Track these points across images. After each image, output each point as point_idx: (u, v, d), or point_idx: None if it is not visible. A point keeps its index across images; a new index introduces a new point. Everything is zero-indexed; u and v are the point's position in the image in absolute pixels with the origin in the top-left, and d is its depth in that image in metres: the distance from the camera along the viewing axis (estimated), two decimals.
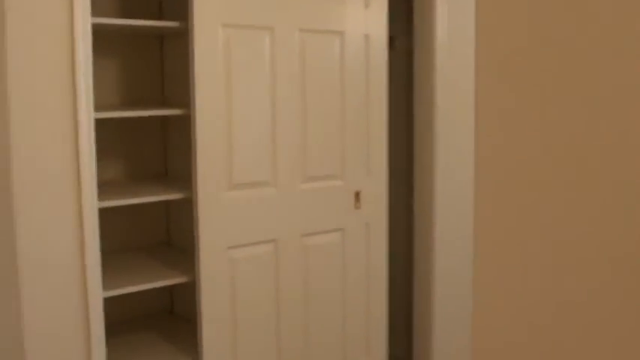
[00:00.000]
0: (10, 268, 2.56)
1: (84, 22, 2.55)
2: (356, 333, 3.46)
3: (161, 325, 3.50)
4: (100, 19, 2.74)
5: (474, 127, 3.62)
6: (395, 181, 4.04)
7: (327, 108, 3.21)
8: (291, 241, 3.17)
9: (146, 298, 3.64)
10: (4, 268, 2.61)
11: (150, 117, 3.57)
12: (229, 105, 2.94)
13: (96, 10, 3.31)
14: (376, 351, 3.54)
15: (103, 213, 3.45)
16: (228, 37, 2.90)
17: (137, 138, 3.55)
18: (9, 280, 2.58)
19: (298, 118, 3.13)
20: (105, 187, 3.20)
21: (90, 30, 2.57)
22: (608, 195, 3.15)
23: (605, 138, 3.13)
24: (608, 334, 3.22)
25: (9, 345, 2.62)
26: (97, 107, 3.09)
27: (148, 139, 3.59)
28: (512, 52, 3.44)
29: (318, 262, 3.27)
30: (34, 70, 2.49)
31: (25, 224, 2.51)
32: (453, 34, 3.50)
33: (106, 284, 2.89)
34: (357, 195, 3.35)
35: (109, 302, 3.51)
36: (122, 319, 3.56)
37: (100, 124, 3.41)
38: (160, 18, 3.54)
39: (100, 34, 3.37)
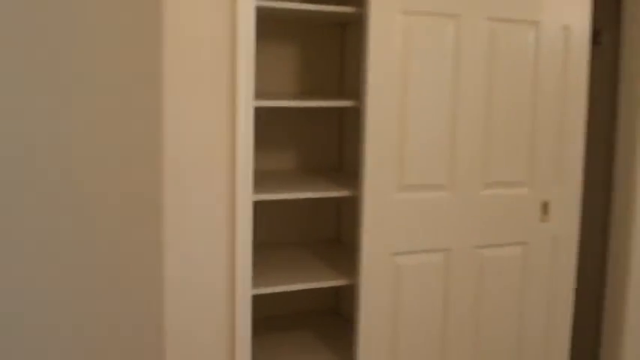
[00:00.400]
0: (155, 258, 2.50)
1: (246, 4, 2.42)
2: None
3: (322, 324, 3.35)
4: (265, 2, 2.60)
5: None
6: (588, 193, 3.58)
7: (516, 106, 2.86)
8: (465, 252, 2.87)
9: (310, 296, 3.50)
10: (148, 256, 2.55)
11: (327, 108, 3.41)
12: (404, 98, 2.69)
13: None
14: None
15: (274, 205, 3.35)
16: (408, 25, 2.65)
17: (313, 129, 3.41)
18: (152, 270, 2.52)
19: (482, 116, 2.81)
20: (275, 178, 3.08)
21: (253, 14, 2.43)
22: None
23: None
24: None
25: (150, 340, 2.57)
26: (274, 96, 2.97)
27: (324, 130, 3.43)
28: None
29: (493, 278, 2.94)
30: (191, 55, 2.39)
31: (173, 214, 2.44)
32: None
33: (266, 280, 2.77)
34: (545, 206, 2.97)
35: (269, 297, 3.41)
36: (283, 315, 3.45)
37: (274, 113, 3.30)
38: (343, 4, 3.36)
39: (280, 21, 3.26)
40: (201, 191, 2.48)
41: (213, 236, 2.51)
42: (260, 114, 3.27)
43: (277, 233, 3.39)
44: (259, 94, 3.04)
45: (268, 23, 3.25)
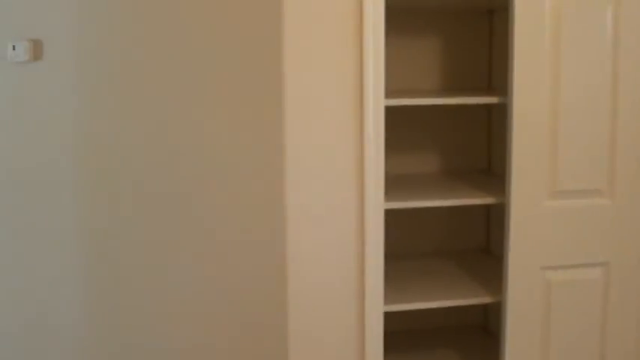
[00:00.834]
0: (279, 270, 2.34)
1: None
2: None
3: (468, 341, 3.07)
4: None
5: None
6: None
7: None
8: (629, 266, 2.50)
9: (454, 310, 3.23)
10: (271, 268, 2.40)
11: (473, 105, 3.13)
12: (556, 93, 2.37)
13: None
14: None
15: (410, 210, 3.11)
16: (559, 9, 2.33)
17: (458, 128, 3.14)
18: (275, 284, 2.37)
19: None
20: (413, 182, 2.85)
21: (383, 2, 2.22)
22: None
23: None
24: None
25: (273, 356, 2.42)
26: (412, 93, 2.75)
27: (470, 129, 3.15)
28: None
29: None
30: (314, 51, 2.22)
31: (296, 223, 2.27)
32: None
33: (400, 295, 2.55)
34: None
35: (406, 311, 3.17)
36: (422, 330, 3.20)
37: (415, 112, 3.06)
38: None
39: (415, 10, 3.01)
40: (326, 198, 2.30)
41: (340, 247, 2.32)
42: (399, 113, 3.04)
43: (413, 242, 3.14)
44: (395, 91, 2.81)
45: (403, 13, 3.01)
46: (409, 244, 3.14)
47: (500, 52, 3.01)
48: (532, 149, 2.38)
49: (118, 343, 2.61)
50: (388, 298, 2.50)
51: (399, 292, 2.58)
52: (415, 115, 3.07)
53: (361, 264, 2.34)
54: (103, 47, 2.52)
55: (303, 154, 2.27)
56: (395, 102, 2.41)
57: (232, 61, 2.43)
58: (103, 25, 2.51)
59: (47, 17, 2.53)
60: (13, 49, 2.52)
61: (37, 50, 2.54)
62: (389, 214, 2.95)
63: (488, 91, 3.00)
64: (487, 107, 3.15)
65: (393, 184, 2.79)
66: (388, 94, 2.53)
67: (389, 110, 2.92)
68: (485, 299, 2.56)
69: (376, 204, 2.30)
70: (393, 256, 3.08)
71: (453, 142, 3.14)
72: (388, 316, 2.92)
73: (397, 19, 2.99)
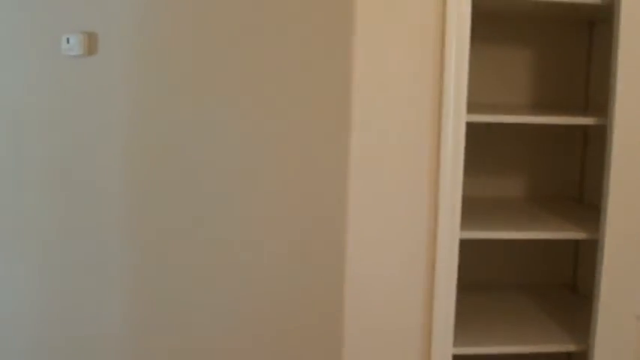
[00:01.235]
0: (336, 300, 2.10)
1: None
2: None
3: None
4: None
5: None
6: None
7: None
8: None
9: (533, 357, 2.91)
10: (328, 300, 2.16)
11: (566, 125, 2.81)
12: None
13: None
14: None
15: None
16: None
17: (548, 150, 2.83)
18: (331, 318, 2.13)
19: None
20: (491, 208, 2.56)
21: (469, 6, 1.96)
22: None
23: None
24: None
25: None
26: (498, 108, 2.46)
27: (562, 152, 2.84)
28: None
29: None
30: (386, 59, 1.97)
31: (358, 248, 2.03)
32: None
33: (473, 337, 2.27)
34: None
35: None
36: None
37: (498, 129, 2.77)
38: None
39: (507, 17, 2.73)
40: (394, 222, 2.05)
41: (406, 279, 2.07)
42: (479, 129, 2.75)
43: (488, 272, 2.84)
44: (476, 105, 2.53)
45: (489, 19, 2.72)
46: (483, 273, 2.84)
47: (601, 67, 2.69)
48: (633, 178, 2.08)
49: (166, 343, 2.43)
50: (458, 338, 2.21)
51: (471, 333, 2.30)
52: (499, 133, 2.78)
53: (429, 299, 2.08)
54: (161, 42, 2.34)
55: (371, 173, 2.03)
56: (478, 118, 2.13)
57: (297, 66, 2.21)
58: (161, 18, 2.33)
59: (103, 9, 2.36)
60: (68, 42, 2.37)
61: (92, 44, 2.37)
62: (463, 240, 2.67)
63: (585, 110, 2.69)
64: (582, 128, 2.83)
65: (470, 208, 2.50)
66: (469, 108, 2.25)
67: (468, 126, 2.64)
68: (570, 347, 2.25)
69: (451, 233, 2.04)
70: (465, 286, 2.78)
71: (541, 165, 2.83)
72: None
73: (482, 25, 2.69)
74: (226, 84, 2.29)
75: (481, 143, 2.76)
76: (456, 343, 2.16)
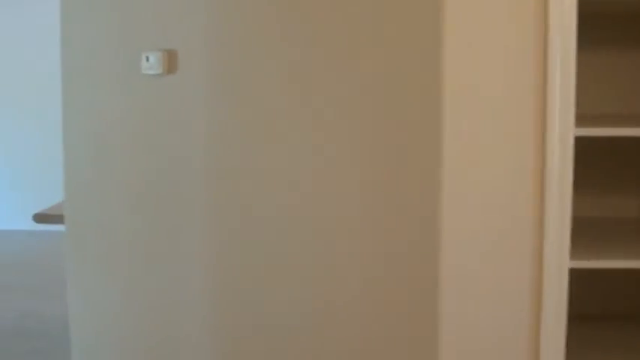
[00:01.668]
0: (430, 322, 1.92)
1: None
2: None
3: None
4: None
5: None
6: None
7: None
8: None
9: None
10: (421, 330, 1.98)
11: None
12: None
13: None
14: None
15: None
16: None
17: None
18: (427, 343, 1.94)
19: None
20: (608, 229, 2.31)
21: (574, 6, 1.75)
22: None
23: None
24: None
25: None
26: (609, 119, 2.23)
27: None
28: None
29: None
30: (480, 65, 1.79)
31: (453, 282, 1.84)
32: None
33: None
34: None
35: None
36: None
37: (609, 143, 2.52)
38: None
39: (618, 17, 2.48)
40: (492, 250, 1.86)
41: (509, 312, 1.87)
42: (587, 143, 2.51)
43: (599, 300, 2.58)
44: (583, 117, 2.29)
45: (596, 20, 2.48)
46: (594, 301, 2.59)
47: None
48: None
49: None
50: None
51: None
52: (610, 147, 2.53)
53: (535, 335, 1.86)
54: (240, 60, 2.23)
55: (466, 195, 1.85)
56: (589, 132, 1.90)
57: (382, 78, 2.05)
58: (241, 35, 2.22)
59: (182, 27, 2.27)
60: (147, 60, 2.28)
61: (171, 62, 2.28)
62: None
63: None
64: None
65: (579, 230, 2.26)
66: (577, 120, 2.03)
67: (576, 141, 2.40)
68: None
69: (559, 261, 1.82)
70: (574, 317, 2.53)
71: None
72: None
73: (588, 27, 2.45)
74: (311, 96, 2.16)
75: (587, 156, 2.52)
76: None
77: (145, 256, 2.44)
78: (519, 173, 1.87)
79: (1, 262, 5.35)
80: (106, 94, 2.39)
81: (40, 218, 2.87)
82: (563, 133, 1.80)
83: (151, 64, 2.27)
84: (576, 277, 2.35)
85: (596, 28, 2.46)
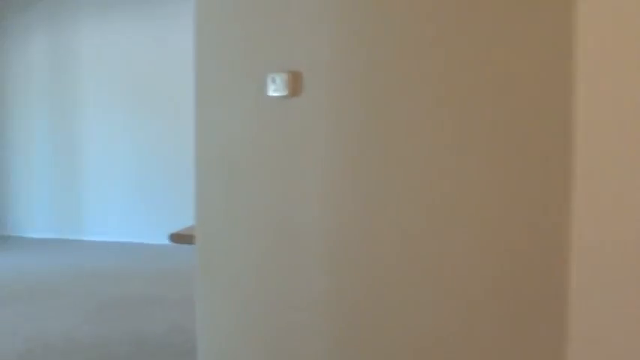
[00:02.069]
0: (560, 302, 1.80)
1: None
2: None
3: None
4: None
5: None
6: None
7: None
8: None
9: None
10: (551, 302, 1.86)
11: None
12: None
13: None
14: None
15: None
16: None
17: None
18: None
19: None
20: None
21: None
22: None
23: None
24: None
25: None
26: None
27: None
28: None
29: None
30: (609, 62, 1.70)
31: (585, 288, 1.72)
32: None
33: None
34: None
35: None
36: None
37: None
38: None
39: None
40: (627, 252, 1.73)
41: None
42: None
43: None
44: None
45: None
46: None
47: None
48: None
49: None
50: None
51: None
52: None
53: None
54: (367, 82, 2.23)
55: (599, 199, 1.74)
56: None
57: (510, 85, 1.99)
58: (367, 57, 2.22)
59: (308, 48, 2.31)
60: (273, 81, 2.34)
61: (296, 83, 2.32)
62: None
63: None
64: None
65: None
66: None
67: None
68: None
69: None
70: None
71: None
72: None
73: None
74: (438, 118, 2.12)
75: None
76: None
77: (268, 278, 2.46)
78: None
79: (149, 274, 5.59)
80: (235, 116, 2.46)
81: (175, 238, 2.98)
82: None
83: (277, 85, 2.33)
84: None
85: None
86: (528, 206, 1.97)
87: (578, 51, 1.83)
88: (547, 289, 1.93)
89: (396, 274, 2.22)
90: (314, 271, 2.37)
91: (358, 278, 2.29)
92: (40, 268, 6.11)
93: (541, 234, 1.94)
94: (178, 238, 2.96)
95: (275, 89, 2.34)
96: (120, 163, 7.34)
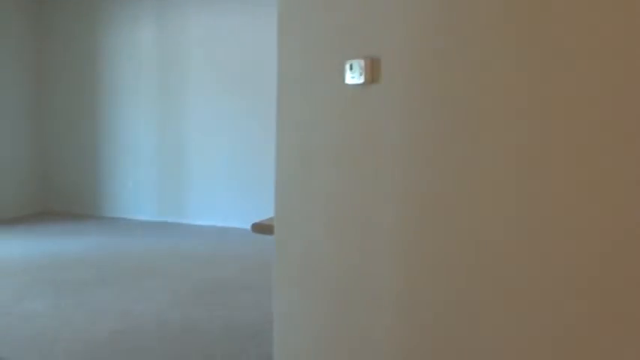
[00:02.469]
0: None
1: None
2: None
3: None
4: None
5: None
6: None
7: None
8: None
9: None
10: None
11: None
12: None
13: None
14: None
15: None
16: None
17: None
18: None
19: None
20: None
21: None
22: None
23: None
24: None
25: None
26: None
27: None
28: None
29: None
30: None
31: None
32: None
33: None
34: None
35: None
36: None
37: None
38: None
39: None
40: None
41: None
42: None
43: None
44: None
45: None
46: None
47: None
48: None
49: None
50: None
51: None
52: None
53: None
54: (450, 70, 2.09)
55: None
56: None
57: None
58: (451, 43, 2.08)
59: (386, 34, 2.19)
60: (351, 68, 2.23)
61: (374, 70, 2.20)
62: None
63: None
64: None
65: None
66: None
67: None
68: None
69: None
70: None
71: None
72: None
73: None
74: (524, 109, 1.97)
75: None
76: None
77: (343, 276, 2.39)
78: None
79: (245, 259, 5.59)
80: (313, 105, 2.38)
81: (257, 228, 2.93)
82: None
83: (354, 73, 2.22)
84: None
85: None
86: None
87: None
88: None
89: (475, 277, 2.08)
90: (389, 270, 2.26)
91: (435, 279, 2.17)
92: (141, 249, 6.26)
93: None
94: (259, 228, 2.91)
95: (352, 76, 2.23)
96: (221, 151, 7.43)
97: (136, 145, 7.88)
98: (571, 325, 1.92)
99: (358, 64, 2.21)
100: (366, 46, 2.23)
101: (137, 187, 7.90)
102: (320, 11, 2.33)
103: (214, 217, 7.50)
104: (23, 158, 8.08)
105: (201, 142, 7.54)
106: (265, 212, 7.00)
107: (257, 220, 5.89)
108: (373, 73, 2.21)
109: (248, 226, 6.93)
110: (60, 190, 8.33)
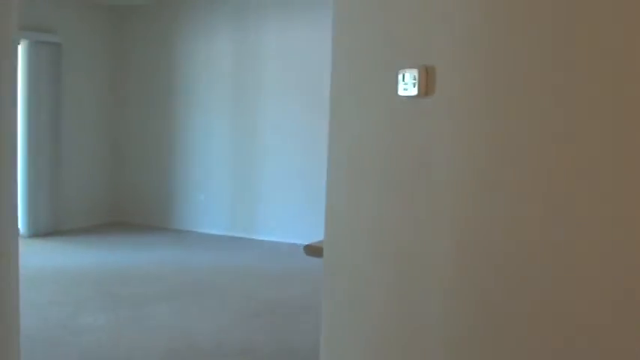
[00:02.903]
0: None
1: None
2: None
3: None
4: None
5: None
6: None
7: None
8: None
9: None
10: None
11: None
12: None
13: None
14: None
15: None
16: None
17: None
18: None
19: None
20: None
21: None
22: None
23: None
24: None
25: None
26: None
27: None
28: None
29: None
30: None
31: None
32: None
33: None
34: None
35: None
36: None
37: None
38: None
39: None
40: None
41: None
42: None
43: None
44: None
45: None
46: None
47: None
48: None
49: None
50: None
51: None
52: None
53: None
54: (508, 81, 1.87)
55: None
56: None
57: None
58: (508, 53, 1.85)
59: (441, 44, 1.98)
60: (403, 79, 2.02)
61: (429, 82, 1.99)
62: None
63: None
64: None
65: None
66: None
67: None
68: None
69: None
70: None
71: None
72: None
73: None
74: (579, 123, 1.74)
75: None
76: None
77: (390, 305, 2.19)
78: None
79: (310, 279, 5.38)
80: (364, 117, 2.20)
81: (309, 250, 2.76)
82: None
83: (407, 83, 2.01)
84: None
85: None
86: None
87: None
88: None
89: (527, 309, 1.85)
90: (438, 308, 2.04)
91: (489, 313, 1.94)
92: (207, 265, 6.16)
93: None
94: (311, 250, 2.73)
95: (405, 88, 2.02)
96: (294, 165, 7.29)
97: (208, 157, 7.82)
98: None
99: (411, 74, 2.00)
100: (419, 55, 2.02)
101: (209, 200, 7.83)
102: (373, 19, 2.14)
103: (286, 234, 7.35)
104: (98, 169, 8.14)
105: (274, 156, 7.42)
106: None
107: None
108: (428, 84, 2.00)
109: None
110: (133, 202, 8.36)
